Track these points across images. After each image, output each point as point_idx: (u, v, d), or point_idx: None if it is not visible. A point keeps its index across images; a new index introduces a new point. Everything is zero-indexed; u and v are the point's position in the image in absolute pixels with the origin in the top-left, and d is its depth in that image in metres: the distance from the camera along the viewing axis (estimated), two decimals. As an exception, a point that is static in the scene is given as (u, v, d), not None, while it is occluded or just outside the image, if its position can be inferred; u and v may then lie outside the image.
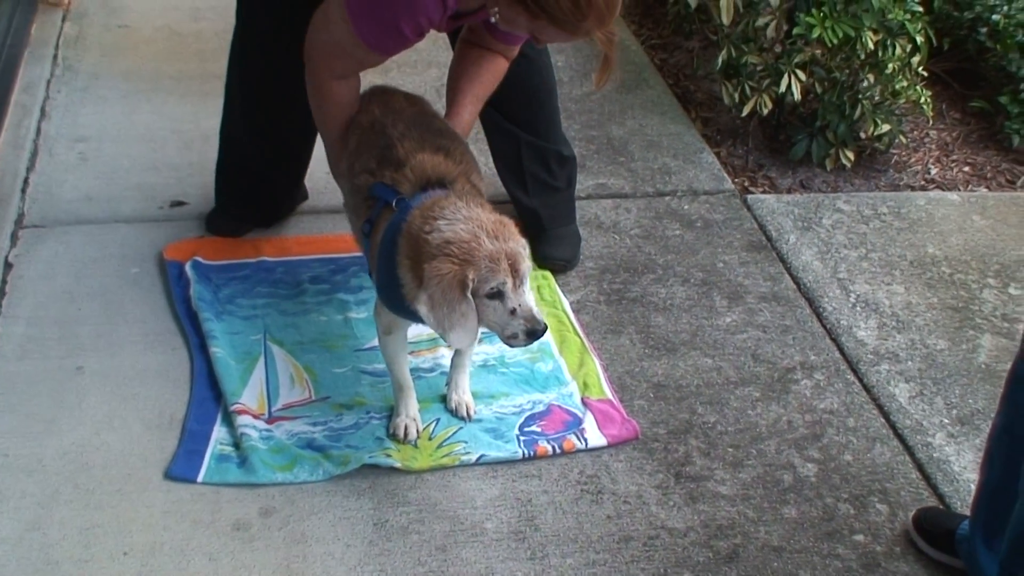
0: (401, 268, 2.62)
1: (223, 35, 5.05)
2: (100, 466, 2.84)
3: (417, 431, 2.96)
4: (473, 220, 2.54)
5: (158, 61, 4.89)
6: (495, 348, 3.25)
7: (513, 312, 2.54)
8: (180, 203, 3.91)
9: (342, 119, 3.07)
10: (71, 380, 3.10)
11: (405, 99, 3.16)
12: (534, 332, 2.55)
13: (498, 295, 2.53)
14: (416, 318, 2.67)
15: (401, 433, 2.94)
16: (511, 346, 2.62)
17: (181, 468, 2.84)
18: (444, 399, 3.10)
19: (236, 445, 2.91)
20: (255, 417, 2.99)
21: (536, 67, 3.53)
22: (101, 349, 3.22)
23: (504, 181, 3.78)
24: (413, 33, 2.82)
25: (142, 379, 3.13)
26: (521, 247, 2.57)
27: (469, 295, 2.51)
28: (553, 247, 3.71)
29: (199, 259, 3.54)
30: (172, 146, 4.27)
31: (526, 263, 2.57)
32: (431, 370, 3.18)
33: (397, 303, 2.71)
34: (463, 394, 3.07)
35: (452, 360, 3.08)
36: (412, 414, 2.97)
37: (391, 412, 3.02)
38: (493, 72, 3.16)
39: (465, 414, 3.05)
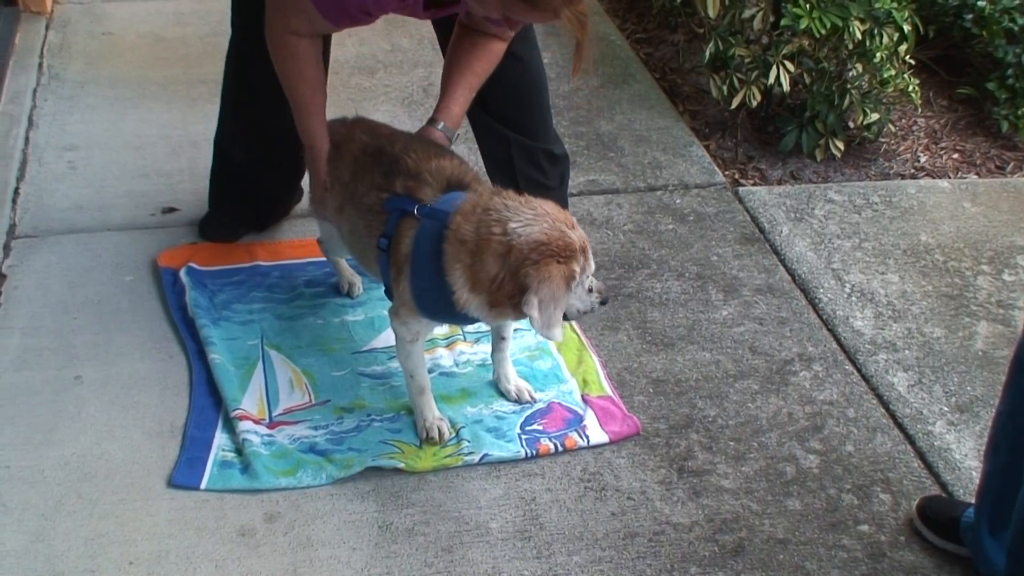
0: (452, 274, 2.64)
1: (208, 39, 5.07)
2: (102, 476, 2.83)
3: (448, 429, 2.98)
4: (546, 216, 2.61)
5: (144, 67, 4.87)
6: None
7: (590, 290, 2.71)
8: (172, 209, 3.89)
9: (308, 77, 3.05)
10: (70, 390, 3.09)
11: (389, 128, 3.21)
12: (606, 300, 2.78)
13: (581, 281, 2.68)
14: (456, 320, 2.78)
15: (435, 434, 2.95)
16: (574, 319, 2.80)
17: (184, 476, 2.83)
18: (500, 392, 3.14)
19: (238, 451, 2.90)
20: (256, 422, 2.98)
21: (526, 66, 3.51)
22: (99, 358, 3.21)
23: (495, 182, 3.77)
24: (359, 12, 2.86)
25: (141, 387, 3.12)
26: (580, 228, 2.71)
27: (572, 289, 2.63)
28: None
29: (193, 265, 3.52)
30: (161, 152, 4.25)
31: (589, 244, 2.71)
32: (431, 371, 3.17)
33: (440, 310, 2.76)
34: (517, 380, 3.15)
35: (493, 356, 3.15)
36: (437, 415, 2.99)
37: (394, 415, 3.02)
38: (488, 59, 3.15)
39: (529, 397, 3.13)
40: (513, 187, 3.62)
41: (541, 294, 2.55)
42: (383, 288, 2.98)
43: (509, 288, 2.58)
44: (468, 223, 2.63)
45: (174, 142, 4.32)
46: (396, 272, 2.83)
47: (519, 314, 2.62)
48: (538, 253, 2.56)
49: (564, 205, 3.68)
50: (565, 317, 2.67)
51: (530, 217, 2.60)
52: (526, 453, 2.95)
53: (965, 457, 3.04)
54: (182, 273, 3.49)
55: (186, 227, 3.79)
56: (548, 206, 2.66)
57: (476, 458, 2.92)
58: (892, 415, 3.18)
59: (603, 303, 2.76)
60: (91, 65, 4.87)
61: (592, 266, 2.69)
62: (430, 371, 3.17)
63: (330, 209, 3.16)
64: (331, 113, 4.51)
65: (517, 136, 3.59)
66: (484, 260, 2.59)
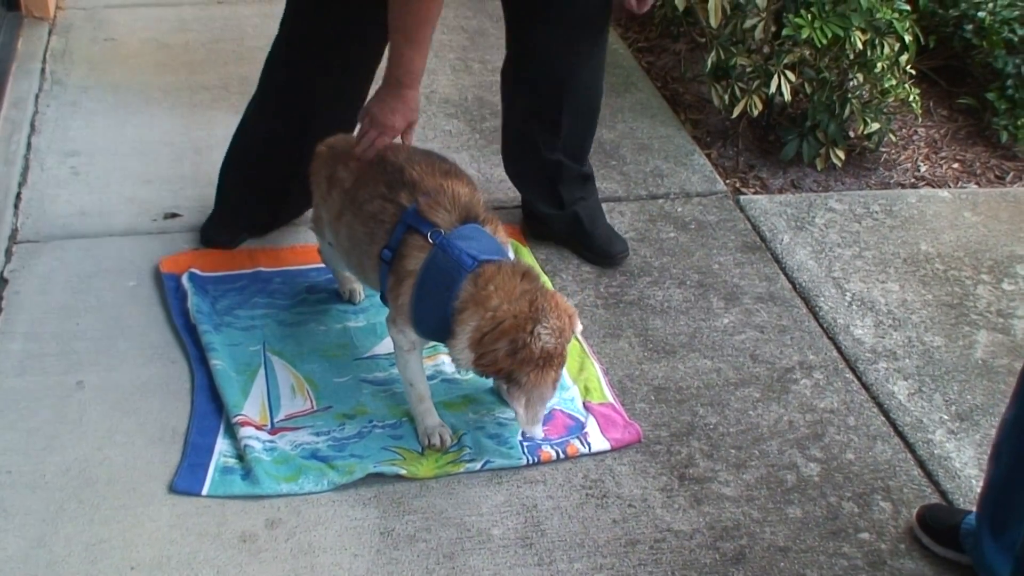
0: (461, 325, 2.77)
1: (210, 46, 5.08)
2: (104, 481, 2.83)
3: (450, 436, 2.99)
4: (561, 329, 2.77)
5: (146, 73, 4.88)
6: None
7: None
8: (174, 215, 3.90)
9: (430, 21, 3.00)
10: (71, 395, 3.09)
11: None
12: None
13: None
14: (444, 341, 2.88)
15: (437, 441, 2.97)
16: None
17: (185, 481, 2.83)
18: (501, 399, 3.15)
19: (240, 457, 2.90)
20: (258, 428, 2.98)
21: (596, 92, 3.65)
22: (100, 364, 3.21)
23: (531, 198, 3.84)
24: None
25: (143, 393, 3.12)
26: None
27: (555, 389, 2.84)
28: (608, 243, 3.78)
29: (196, 271, 3.53)
30: (164, 158, 4.26)
31: None
32: (432, 377, 3.18)
33: (433, 333, 2.88)
34: None
35: None
36: (439, 421, 3.00)
37: (396, 422, 3.03)
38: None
39: None
40: (556, 206, 3.80)
41: (531, 395, 2.75)
42: (379, 295, 3.01)
43: (503, 370, 2.75)
44: (501, 299, 2.75)
45: (177, 148, 4.32)
46: (396, 282, 2.84)
47: (500, 384, 2.87)
48: (543, 360, 2.73)
49: (600, 213, 3.85)
50: None
51: (554, 327, 2.75)
52: (528, 460, 2.95)
53: (965, 465, 3.04)
54: (184, 279, 3.49)
55: (189, 233, 3.79)
56: (564, 309, 2.81)
57: (478, 465, 2.93)
58: (892, 423, 3.19)
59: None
60: (94, 71, 4.88)
61: None
62: (432, 377, 3.18)
63: (327, 216, 3.17)
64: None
65: (570, 163, 3.70)
66: (499, 339, 2.72)
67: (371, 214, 2.95)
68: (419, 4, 2.94)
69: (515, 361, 2.72)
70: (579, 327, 2.88)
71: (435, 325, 2.83)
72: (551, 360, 2.75)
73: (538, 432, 2.91)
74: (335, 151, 3.22)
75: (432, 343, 3.04)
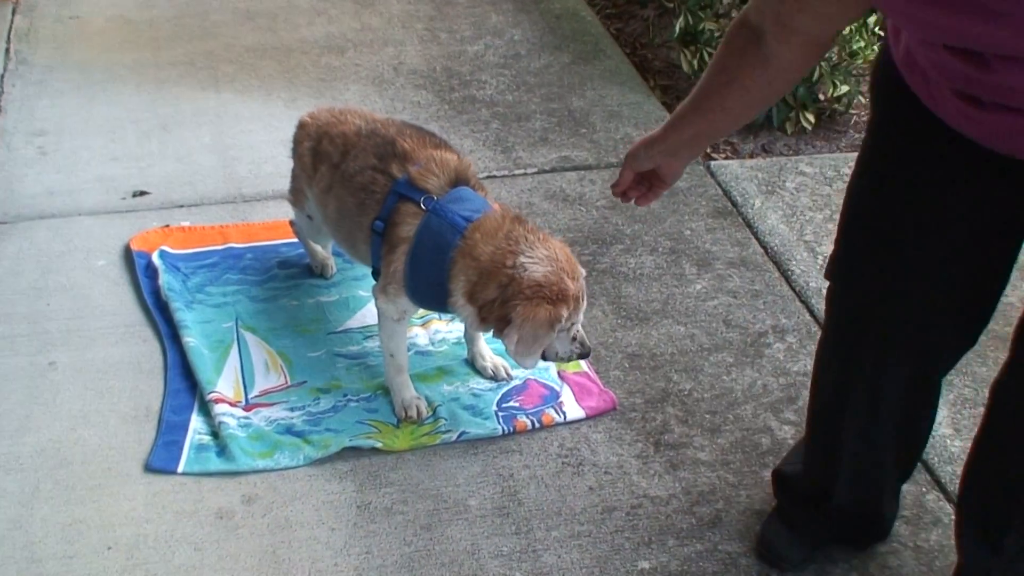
0: (455, 281, 2.74)
1: (176, 21, 5.04)
2: (79, 461, 2.82)
3: (425, 408, 2.99)
4: (553, 259, 2.70)
5: (112, 51, 4.84)
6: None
7: (573, 339, 2.78)
8: (143, 193, 3.88)
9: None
10: (44, 376, 3.08)
11: (382, 117, 3.22)
12: (584, 355, 2.84)
13: (566, 327, 2.75)
14: (441, 310, 2.91)
15: (414, 413, 2.97)
16: (550, 360, 2.85)
17: (160, 459, 2.83)
18: (476, 370, 3.16)
19: (215, 434, 2.90)
20: (232, 405, 2.98)
21: None
22: (72, 344, 3.20)
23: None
24: None
25: (116, 372, 3.11)
26: (583, 280, 2.78)
27: (556, 331, 2.70)
28: None
29: (166, 249, 3.51)
30: (131, 136, 4.23)
31: (585, 295, 2.79)
32: (407, 349, 3.17)
33: (429, 300, 2.88)
34: (493, 357, 3.18)
35: (467, 335, 3.20)
36: (415, 394, 3.01)
37: (370, 395, 3.03)
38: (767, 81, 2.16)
39: (505, 375, 3.15)
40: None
41: (523, 331, 2.66)
42: (371, 270, 2.99)
43: (498, 314, 2.69)
44: (487, 244, 2.71)
45: (144, 125, 4.30)
46: (389, 250, 2.84)
47: (501, 335, 2.74)
48: (532, 291, 2.65)
49: None
50: (544, 357, 2.78)
51: (540, 256, 2.69)
52: (503, 430, 2.96)
53: (939, 425, 3.05)
54: (155, 257, 3.48)
55: (157, 210, 3.77)
56: (561, 251, 2.75)
57: (453, 436, 2.93)
58: (866, 385, 3.20)
59: (582, 355, 2.83)
60: (59, 49, 4.84)
61: (581, 316, 2.78)
62: (407, 350, 3.17)
63: (315, 191, 3.15)
64: (301, 92, 4.51)
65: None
66: (488, 283, 2.69)
67: (361, 185, 2.94)
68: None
69: (504, 298, 2.67)
70: (583, 272, 2.79)
71: (430, 292, 2.81)
72: (541, 291, 2.65)
73: (528, 364, 2.76)
74: (319, 123, 3.20)
75: (421, 314, 3.05)
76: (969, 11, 1.64)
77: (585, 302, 2.78)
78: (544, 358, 2.78)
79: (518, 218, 2.80)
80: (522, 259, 2.68)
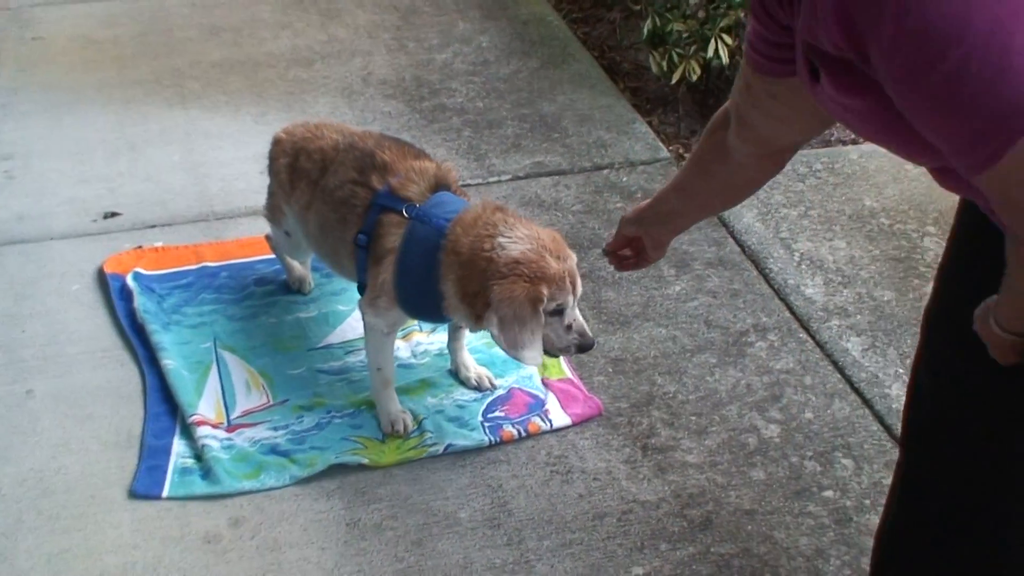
0: (445, 283, 2.68)
1: (140, 39, 5.00)
2: (62, 490, 2.78)
3: (411, 422, 2.97)
4: (533, 238, 2.63)
5: (77, 71, 4.79)
6: (450, 336, 3.24)
7: (569, 328, 2.68)
8: (114, 214, 3.83)
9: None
10: (22, 405, 3.04)
11: (359, 130, 3.20)
12: (585, 346, 2.73)
13: (558, 312, 2.65)
14: (434, 320, 2.89)
15: (400, 427, 2.94)
16: (554, 356, 2.81)
17: (144, 484, 2.79)
18: (460, 381, 3.13)
19: (198, 457, 2.87)
20: (214, 427, 2.95)
21: None
22: (49, 371, 3.15)
23: None
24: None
25: (94, 398, 3.07)
26: (574, 264, 2.70)
27: (541, 312, 2.59)
28: None
29: (140, 270, 3.47)
30: (100, 157, 4.19)
31: (579, 280, 2.70)
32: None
33: (422, 309, 2.84)
34: (477, 367, 3.15)
35: (450, 345, 3.15)
36: (400, 408, 2.98)
37: (354, 411, 3.01)
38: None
39: (489, 384, 3.11)
40: None
41: (501, 311, 2.58)
42: (356, 285, 2.96)
43: (482, 301, 2.61)
44: (467, 236, 2.66)
45: (112, 146, 4.25)
46: (375, 262, 2.81)
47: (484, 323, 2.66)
48: (508, 270, 2.58)
49: None
50: (547, 352, 2.71)
51: (519, 236, 2.63)
52: (490, 440, 2.94)
53: (923, 418, 3.07)
54: (129, 279, 3.44)
55: (130, 232, 3.73)
56: (544, 232, 2.68)
57: (440, 448, 2.91)
58: (848, 380, 3.21)
59: (581, 348, 2.74)
60: (23, 71, 4.79)
61: (573, 301, 2.68)
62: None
63: (295, 208, 3.12)
64: (270, 106, 4.48)
65: None
66: (471, 274, 2.63)
67: (342, 200, 2.91)
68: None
69: (484, 282, 2.60)
70: (573, 256, 2.71)
71: (422, 300, 2.77)
72: (518, 268, 2.57)
73: (526, 357, 2.64)
74: (294, 139, 3.17)
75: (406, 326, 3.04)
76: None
77: (580, 288, 2.69)
78: (547, 352, 2.72)
79: (499, 207, 2.75)
80: (500, 239, 2.62)
